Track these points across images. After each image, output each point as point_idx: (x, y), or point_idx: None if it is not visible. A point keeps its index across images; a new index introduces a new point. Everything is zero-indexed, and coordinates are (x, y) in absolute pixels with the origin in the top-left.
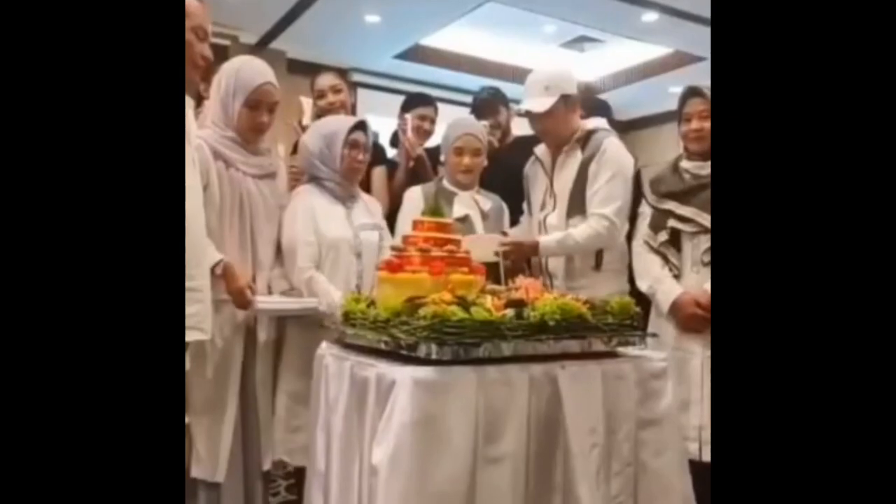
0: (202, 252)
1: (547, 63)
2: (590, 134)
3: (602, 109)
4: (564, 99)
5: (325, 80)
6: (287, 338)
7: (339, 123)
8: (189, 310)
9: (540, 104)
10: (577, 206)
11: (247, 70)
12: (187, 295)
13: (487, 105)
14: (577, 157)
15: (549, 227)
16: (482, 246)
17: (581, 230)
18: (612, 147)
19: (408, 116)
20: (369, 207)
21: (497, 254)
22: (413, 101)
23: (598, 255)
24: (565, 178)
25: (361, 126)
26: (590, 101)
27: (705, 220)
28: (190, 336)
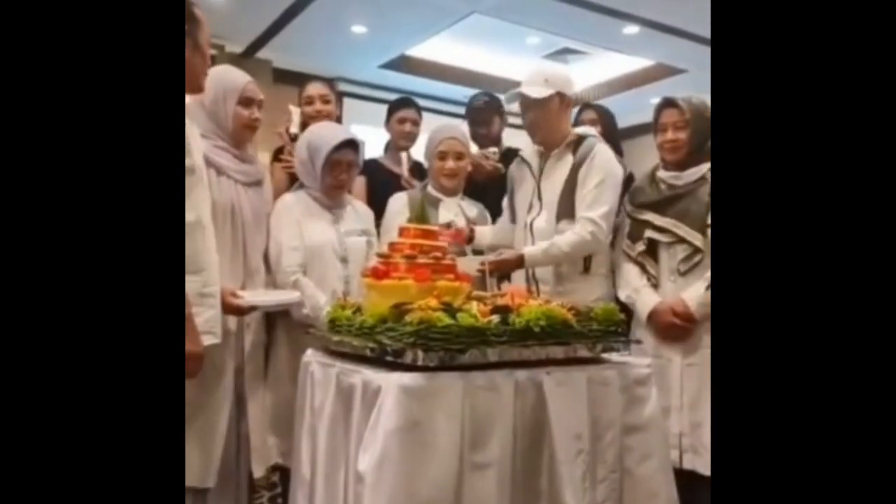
0: (215, 261)
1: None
2: (580, 139)
3: (608, 116)
4: (560, 97)
5: (315, 88)
6: (275, 342)
7: (325, 139)
8: (205, 315)
9: (537, 91)
10: (566, 209)
11: (230, 73)
12: (203, 301)
13: (481, 112)
14: (568, 160)
15: (536, 231)
16: (464, 266)
17: (566, 238)
18: (602, 152)
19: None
20: (359, 213)
21: (480, 270)
22: (394, 105)
23: (587, 260)
24: (554, 182)
25: (350, 144)
26: (598, 108)
27: (682, 230)
28: (205, 341)
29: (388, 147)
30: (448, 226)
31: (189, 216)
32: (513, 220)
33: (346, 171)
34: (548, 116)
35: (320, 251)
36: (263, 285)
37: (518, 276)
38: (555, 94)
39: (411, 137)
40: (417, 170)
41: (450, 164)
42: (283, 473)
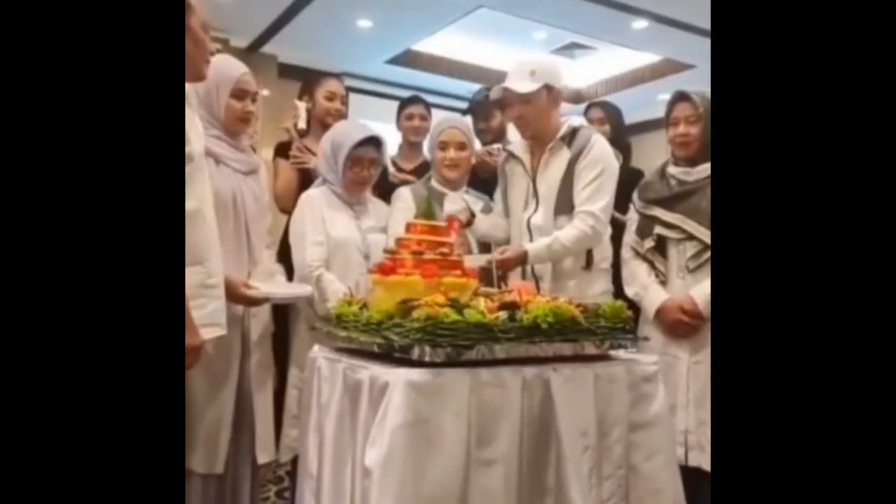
0: (218, 251)
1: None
2: (575, 131)
3: (616, 114)
4: (548, 90)
5: (337, 86)
6: (295, 333)
7: (347, 136)
8: (210, 307)
9: (523, 86)
10: (564, 204)
11: (225, 64)
12: (207, 292)
13: (482, 106)
14: (564, 154)
15: (534, 228)
16: (471, 263)
17: (567, 233)
18: (599, 143)
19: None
20: (379, 210)
21: (487, 266)
22: (403, 103)
23: (589, 255)
24: (551, 177)
25: (372, 141)
26: (604, 106)
27: (691, 226)
28: (211, 333)
29: (402, 147)
30: None
31: (189, 205)
32: (506, 214)
33: (368, 168)
34: (536, 111)
35: (345, 246)
36: (268, 275)
37: (514, 273)
38: (542, 88)
39: (420, 132)
40: (425, 167)
41: (451, 153)
42: (289, 468)
